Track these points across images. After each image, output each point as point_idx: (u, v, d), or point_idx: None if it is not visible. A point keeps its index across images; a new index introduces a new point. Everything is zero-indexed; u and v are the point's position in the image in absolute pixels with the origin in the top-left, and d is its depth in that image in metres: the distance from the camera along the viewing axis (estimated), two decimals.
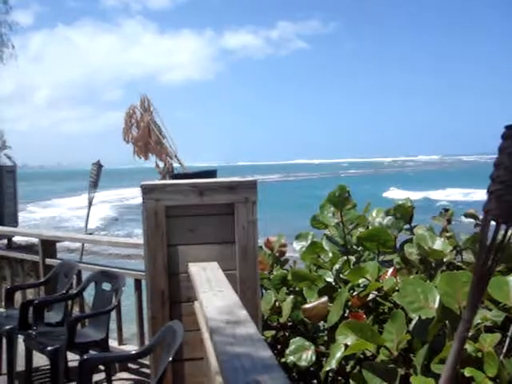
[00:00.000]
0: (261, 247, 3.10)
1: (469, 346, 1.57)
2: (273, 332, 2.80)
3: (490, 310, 1.67)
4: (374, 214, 2.80)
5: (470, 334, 1.65)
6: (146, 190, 2.27)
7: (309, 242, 2.82)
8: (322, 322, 2.48)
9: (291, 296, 2.67)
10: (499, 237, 0.97)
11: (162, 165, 3.04)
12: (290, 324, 2.76)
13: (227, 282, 1.89)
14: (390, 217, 2.65)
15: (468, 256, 2.17)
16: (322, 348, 2.41)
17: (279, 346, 2.74)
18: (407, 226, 2.62)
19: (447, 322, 1.63)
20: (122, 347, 3.58)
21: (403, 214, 2.58)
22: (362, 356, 2.20)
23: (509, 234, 0.98)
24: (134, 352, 2.30)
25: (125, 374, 3.41)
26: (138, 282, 3.38)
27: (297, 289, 2.73)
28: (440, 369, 1.51)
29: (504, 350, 1.57)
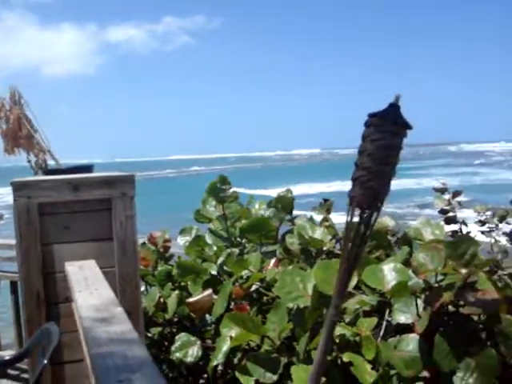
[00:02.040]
0: (144, 243, 3.05)
1: (347, 331, 1.61)
2: (159, 329, 2.76)
3: (367, 295, 1.72)
4: (256, 206, 2.82)
5: (348, 319, 1.70)
6: (17, 187, 2.15)
7: (193, 236, 2.80)
8: (209, 315, 2.47)
9: (176, 291, 2.64)
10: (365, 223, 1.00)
11: (34, 160, 2.90)
12: (176, 320, 2.72)
13: (104, 279, 1.83)
14: (272, 208, 2.67)
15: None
16: (210, 342, 2.40)
17: (166, 343, 2.71)
18: (289, 217, 2.66)
19: (324, 308, 1.66)
20: (1, 353, 3.40)
21: (284, 205, 2.62)
22: (247, 347, 2.21)
23: (373, 219, 1.00)
24: (7, 357, 2.17)
25: (4, 381, 3.25)
26: (14, 285, 3.24)
27: (182, 284, 2.70)
28: (315, 355, 1.54)
29: (381, 334, 1.62)
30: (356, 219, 0.99)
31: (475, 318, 1.40)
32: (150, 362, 0.99)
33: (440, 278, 1.41)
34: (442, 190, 2.71)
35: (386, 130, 0.93)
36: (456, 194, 2.69)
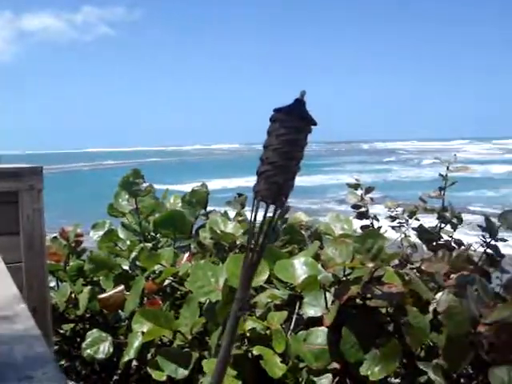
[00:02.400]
0: (56, 238, 2.96)
1: (258, 325, 1.62)
2: (72, 325, 2.69)
3: (279, 289, 1.74)
4: (171, 201, 2.79)
5: (259, 312, 1.71)
6: None
7: (105, 230, 2.74)
8: (122, 311, 2.43)
9: (88, 287, 2.58)
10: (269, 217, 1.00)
11: None
12: (88, 316, 2.66)
13: (9, 275, 1.76)
14: (186, 203, 2.66)
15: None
16: (123, 338, 2.36)
17: (79, 339, 2.64)
18: (203, 212, 2.65)
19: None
20: None
21: (199, 199, 2.61)
22: (160, 343, 2.19)
23: (277, 214, 1.01)
24: None
25: None
26: None
27: (94, 279, 2.64)
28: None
29: (291, 327, 1.63)
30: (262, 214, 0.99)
31: (383, 310, 1.44)
32: (52, 360, 0.97)
33: (348, 271, 1.44)
34: (355, 186, 2.77)
35: (292, 126, 0.94)
36: (368, 189, 2.75)
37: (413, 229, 2.49)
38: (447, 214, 2.28)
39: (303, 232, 2.28)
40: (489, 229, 1.94)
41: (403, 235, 2.63)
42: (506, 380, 1.17)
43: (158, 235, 2.70)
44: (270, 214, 1.03)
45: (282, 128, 0.93)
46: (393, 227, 2.72)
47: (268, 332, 1.61)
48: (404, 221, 2.70)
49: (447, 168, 2.34)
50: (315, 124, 0.96)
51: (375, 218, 2.73)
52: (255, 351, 1.56)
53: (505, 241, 1.97)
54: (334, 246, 1.42)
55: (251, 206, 0.98)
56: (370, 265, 1.27)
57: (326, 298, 1.50)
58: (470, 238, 2.09)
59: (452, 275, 1.46)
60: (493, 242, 1.96)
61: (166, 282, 2.30)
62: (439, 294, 1.34)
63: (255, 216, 0.97)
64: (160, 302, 2.24)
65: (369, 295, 1.32)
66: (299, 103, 0.94)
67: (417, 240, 2.38)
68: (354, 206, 2.73)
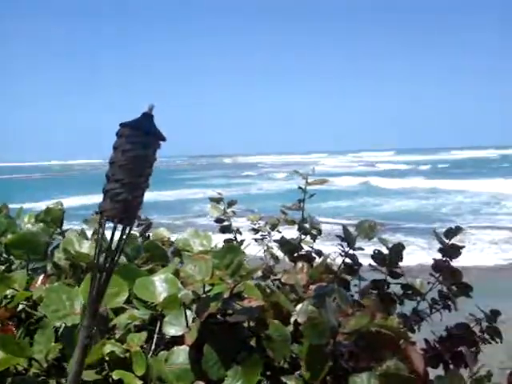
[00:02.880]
0: None
1: (117, 348, 1.55)
2: None
3: (139, 309, 1.68)
4: (25, 220, 2.63)
5: (118, 335, 1.63)
6: None
7: None
8: None
9: None
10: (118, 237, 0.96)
11: None
12: None
13: None
14: (40, 222, 2.51)
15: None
16: None
17: None
18: (58, 231, 2.52)
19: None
20: None
21: (54, 218, 2.48)
22: (15, 371, 2.04)
23: (126, 233, 0.96)
24: None
25: None
26: None
27: None
28: (87, 375, 1.46)
29: (152, 348, 1.58)
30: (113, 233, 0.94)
31: (246, 325, 1.43)
32: None
33: (208, 288, 1.41)
34: (218, 200, 2.77)
35: (138, 141, 0.90)
36: (231, 203, 2.77)
37: (275, 241, 2.52)
38: (307, 226, 2.33)
39: (166, 248, 2.23)
40: (347, 238, 2.00)
41: (266, 247, 2.67)
42: None
43: (11, 257, 2.53)
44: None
45: (128, 143, 0.89)
46: (256, 240, 2.75)
47: (128, 355, 1.54)
48: (266, 233, 2.74)
49: (306, 181, 2.39)
50: (164, 139, 0.93)
51: (238, 231, 2.75)
52: (115, 375, 1.49)
53: (362, 250, 2.04)
54: (193, 263, 1.39)
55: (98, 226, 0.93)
56: (230, 280, 1.26)
57: (186, 316, 1.46)
58: (330, 248, 2.15)
59: (311, 286, 1.48)
60: (351, 252, 2.02)
61: (20, 307, 2.15)
62: (299, 305, 1.35)
63: (102, 236, 0.92)
64: (13, 329, 2.10)
65: (229, 311, 1.30)
66: (146, 117, 0.90)
67: (279, 252, 2.41)
68: (217, 220, 2.73)
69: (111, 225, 0.98)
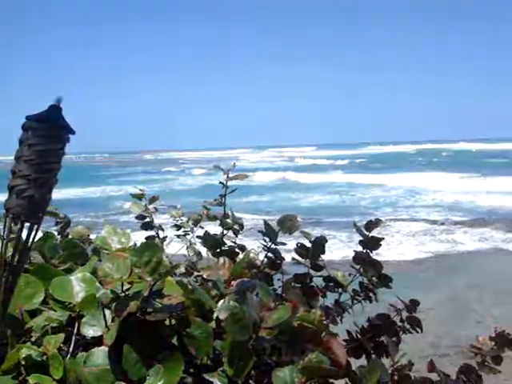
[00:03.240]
0: None
1: (33, 352, 1.48)
2: None
3: (56, 310, 1.62)
4: None
5: (35, 338, 1.57)
6: None
7: None
8: None
9: None
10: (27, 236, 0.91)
11: None
12: None
13: None
14: None
15: (36, 256, 2.08)
16: None
17: None
18: None
19: (9, 329, 1.51)
20: None
21: None
22: None
23: (33, 233, 0.92)
24: None
25: None
26: None
27: None
28: (2, 382, 1.40)
29: (70, 350, 1.52)
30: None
31: (168, 323, 1.40)
32: None
33: (127, 286, 1.38)
34: (139, 196, 2.72)
35: (46, 135, 0.84)
36: (152, 199, 2.73)
37: (197, 237, 2.51)
38: (229, 221, 2.32)
39: (86, 247, 2.16)
40: (268, 233, 2.00)
41: (189, 243, 2.65)
42: (289, 380, 1.19)
43: None
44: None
45: (35, 137, 0.84)
46: (178, 236, 2.73)
47: (45, 358, 1.48)
48: (189, 229, 2.72)
49: (227, 176, 2.38)
50: (73, 132, 0.88)
51: (160, 228, 2.71)
52: (31, 380, 1.43)
53: (284, 244, 2.05)
54: (111, 261, 1.35)
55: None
56: (149, 278, 1.23)
57: (105, 316, 1.41)
58: (254, 243, 2.14)
59: (233, 281, 1.47)
60: (273, 246, 2.02)
61: None
62: (221, 301, 1.34)
63: (8, 235, 0.87)
64: None
65: (149, 309, 1.27)
66: (54, 109, 0.85)
67: (203, 248, 2.40)
68: (139, 217, 2.68)
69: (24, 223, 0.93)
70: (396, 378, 1.77)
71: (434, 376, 1.78)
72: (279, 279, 2.05)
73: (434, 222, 21.16)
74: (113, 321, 1.39)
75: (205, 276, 1.63)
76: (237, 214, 2.36)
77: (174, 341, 1.41)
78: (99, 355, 1.39)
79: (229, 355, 1.25)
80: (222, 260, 1.64)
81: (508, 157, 63.47)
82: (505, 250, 16.30)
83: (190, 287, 1.42)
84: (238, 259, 2.01)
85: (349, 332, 2.11)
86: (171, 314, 1.28)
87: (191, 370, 1.47)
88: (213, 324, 1.43)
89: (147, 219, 2.69)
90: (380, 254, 2.15)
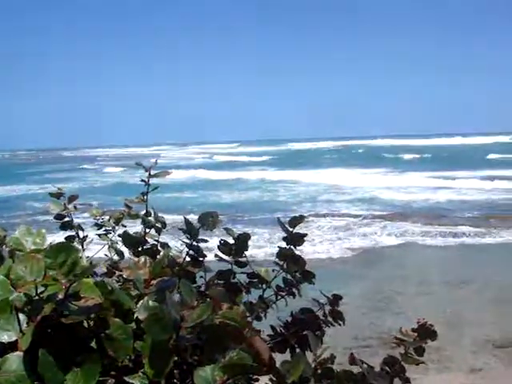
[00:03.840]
0: None
1: None
2: None
3: None
4: None
5: None
6: None
7: None
8: None
9: None
10: None
11: None
12: None
13: None
14: None
15: None
16: None
17: None
18: None
19: None
20: None
21: None
22: None
23: None
24: None
25: None
26: None
27: None
28: None
29: None
30: None
31: (86, 325, 1.36)
32: None
33: (42, 289, 1.33)
34: (58, 195, 2.64)
35: None
36: (72, 198, 2.65)
37: (119, 235, 2.46)
38: (151, 219, 2.29)
39: (1, 249, 2.08)
40: (189, 231, 1.98)
41: (110, 243, 2.59)
42: (210, 379, 1.18)
43: None
44: None
45: None
46: (99, 235, 2.67)
47: None
48: (111, 228, 2.66)
49: (149, 173, 2.34)
50: None
51: (80, 227, 2.65)
52: None
53: (206, 241, 2.04)
54: (24, 263, 1.30)
55: None
56: (64, 280, 1.18)
57: (19, 320, 1.36)
58: (177, 242, 2.12)
59: (153, 281, 1.44)
60: (195, 243, 2.01)
61: None
62: (140, 301, 1.31)
63: None
64: None
65: (66, 312, 1.22)
66: None
67: (123, 246, 2.35)
68: (57, 217, 2.60)
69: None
70: (319, 371, 1.79)
71: (357, 368, 1.81)
72: (202, 276, 2.04)
73: (355, 217, 21.70)
74: (27, 325, 1.34)
75: (125, 276, 1.59)
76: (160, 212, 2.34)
77: (94, 344, 1.38)
78: (14, 360, 1.33)
79: (149, 356, 1.22)
80: (142, 259, 1.61)
81: (423, 152, 65.93)
82: (422, 243, 16.92)
83: (108, 288, 1.38)
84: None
85: (273, 327, 2.12)
86: (88, 315, 1.24)
87: (112, 373, 1.43)
88: (133, 325, 1.40)
89: (66, 218, 2.61)
90: (303, 251, 2.18)
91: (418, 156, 62.98)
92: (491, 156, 57.21)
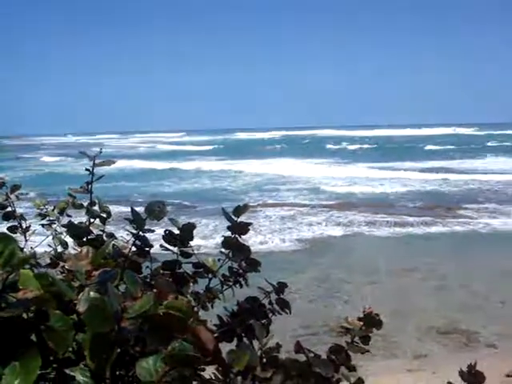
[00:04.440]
0: None
1: None
2: None
3: None
4: None
5: None
6: None
7: None
8: None
9: None
10: None
11: None
12: None
13: None
14: None
15: None
16: None
17: None
18: None
19: None
20: None
21: None
22: None
23: None
24: None
25: None
26: None
27: None
28: None
29: None
30: None
31: (26, 317, 1.32)
32: None
33: None
34: (0, 185, 2.58)
35: None
36: (14, 188, 2.59)
37: (63, 225, 2.42)
38: (96, 209, 2.25)
39: None
40: (136, 221, 1.96)
41: (54, 233, 2.55)
42: (153, 369, 1.17)
43: None
44: None
45: None
46: (43, 225, 2.62)
47: None
48: (55, 218, 2.62)
49: (93, 162, 2.30)
50: None
51: (22, 217, 2.59)
52: None
53: (152, 231, 2.01)
54: None
55: None
56: (1, 271, 1.15)
57: None
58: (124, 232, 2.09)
59: (95, 272, 1.42)
60: (141, 233, 1.98)
61: None
62: (81, 293, 1.29)
63: None
64: None
65: (3, 305, 1.19)
66: None
67: (68, 237, 2.31)
68: None
69: None
70: (264, 360, 1.80)
71: (303, 357, 1.82)
72: (148, 267, 2.02)
73: (302, 206, 21.88)
74: None
75: (67, 267, 1.56)
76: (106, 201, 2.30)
77: (34, 336, 1.35)
78: None
79: (90, 348, 1.20)
80: (84, 249, 1.57)
81: (371, 143, 67.03)
82: (369, 233, 17.20)
83: (49, 279, 1.35)
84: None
85: (220, 317, 2.11)
86: (27, 308, 1.21)
87: (54, 365, 1.40)
88: (75, 316, 1.37)
89: (9, 209, 2.55)
90: (249, 239, 2.18)
91: (365, 146, 64.01)
92: (429, 147, 58.88)
